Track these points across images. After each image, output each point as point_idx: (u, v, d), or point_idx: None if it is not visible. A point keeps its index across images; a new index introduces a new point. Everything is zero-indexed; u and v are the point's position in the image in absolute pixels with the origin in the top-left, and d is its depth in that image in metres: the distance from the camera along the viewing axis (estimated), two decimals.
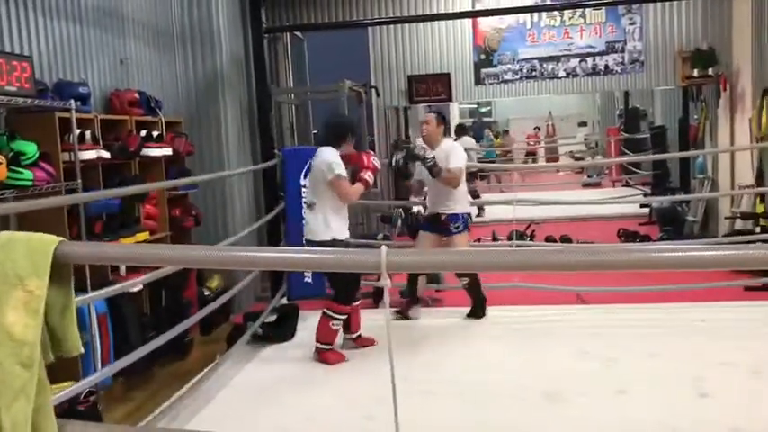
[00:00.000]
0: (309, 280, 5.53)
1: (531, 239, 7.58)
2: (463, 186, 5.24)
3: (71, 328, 1.26)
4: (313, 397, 4.02)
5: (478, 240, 7.79)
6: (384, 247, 1.27)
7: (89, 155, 4.32)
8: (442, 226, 5.24)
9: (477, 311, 5.41)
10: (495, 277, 5.74)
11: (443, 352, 4.68)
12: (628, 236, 8.23)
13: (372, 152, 4.97)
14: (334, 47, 9.24)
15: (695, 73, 7.75)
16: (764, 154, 6.67)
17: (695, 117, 8.96)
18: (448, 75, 8.55)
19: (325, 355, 4.54)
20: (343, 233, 4.54)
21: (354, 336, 4.81)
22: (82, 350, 1.30)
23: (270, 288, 6.33)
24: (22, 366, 1.24)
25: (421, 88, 8.61)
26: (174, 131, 5.61)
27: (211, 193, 6.32)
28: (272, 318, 5.27)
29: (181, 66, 6.32)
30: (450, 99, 8.66)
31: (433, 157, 5.04)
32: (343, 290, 4.54)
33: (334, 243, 4.41)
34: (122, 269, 4.73)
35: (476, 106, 16.85)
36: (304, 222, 4.65)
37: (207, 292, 5.95)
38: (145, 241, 4.99)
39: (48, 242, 1.26)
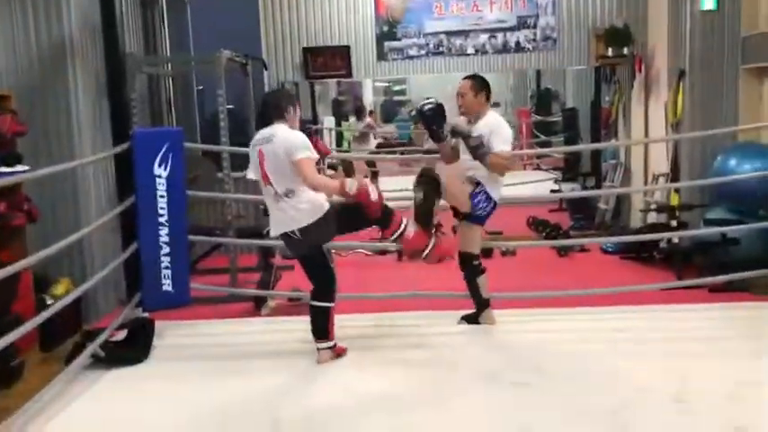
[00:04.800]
0: (169, 288, 4.65)
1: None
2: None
3: None
4: None
5: None
6: None
7: None
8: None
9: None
10: None
11: None
12: (538, 224, 7.72)
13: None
14: (222, 13, 8.33)
15: (609, 52, 7.25)
16: (680, 141, 6.22)
17: (607, 99, 8.52)
18: (348, 48, 7.76)
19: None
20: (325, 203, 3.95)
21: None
22: None
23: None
24: None
25: (318, 62, 7.78)
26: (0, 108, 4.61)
27: (60, 183, 5.30)
28: (122, 335, 4.41)
29: (18, 30, 5.25)
30: (350, 75, 7.87)
31: (480, 136, 4.27)
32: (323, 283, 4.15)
33: (327, 214, 3.90)
34: None
35: (388, 84, 16.18)
36: (275, 216, 3.94)
37: (50, 301, 4.98)
38: None
39: None
